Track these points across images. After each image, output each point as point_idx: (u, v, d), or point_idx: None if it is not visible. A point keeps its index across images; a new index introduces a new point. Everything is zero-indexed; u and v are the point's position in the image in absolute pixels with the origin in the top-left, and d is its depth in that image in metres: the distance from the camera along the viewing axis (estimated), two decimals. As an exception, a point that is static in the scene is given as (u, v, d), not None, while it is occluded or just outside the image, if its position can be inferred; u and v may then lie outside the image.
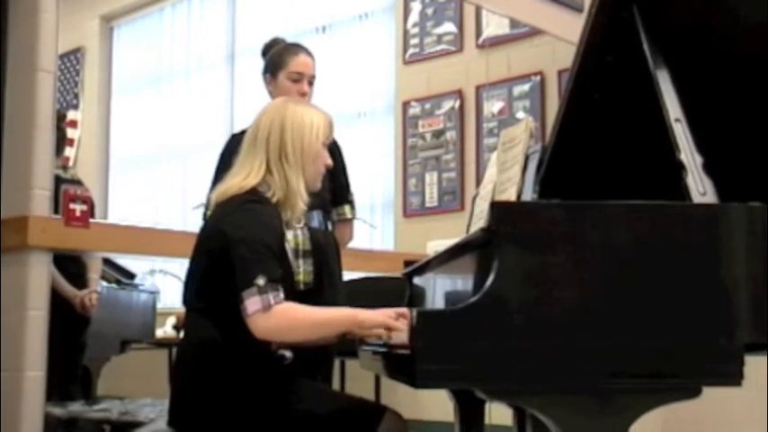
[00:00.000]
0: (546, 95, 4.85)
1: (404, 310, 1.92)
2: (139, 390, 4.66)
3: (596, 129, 2.01)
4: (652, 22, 1.88)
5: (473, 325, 1.54)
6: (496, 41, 5.06)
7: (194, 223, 2.19)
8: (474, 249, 1.80)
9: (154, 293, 5.27)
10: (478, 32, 5.17)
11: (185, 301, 2.16)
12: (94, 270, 4.04)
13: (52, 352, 2.86)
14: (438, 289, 2.30)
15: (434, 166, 5.26)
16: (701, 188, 1.71)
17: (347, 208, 3.05)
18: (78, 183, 3.90)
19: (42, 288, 2.84)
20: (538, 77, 4.89)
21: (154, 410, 3.42)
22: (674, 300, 1.59)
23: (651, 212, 1.63)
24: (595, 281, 1.59)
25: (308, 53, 2.94)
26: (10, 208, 2.88)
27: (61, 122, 3.69)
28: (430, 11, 5.41)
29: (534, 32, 4.78)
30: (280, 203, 2.13)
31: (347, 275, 3.15)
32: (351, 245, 3.19)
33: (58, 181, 3.33)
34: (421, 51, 5.42)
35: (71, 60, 7.45)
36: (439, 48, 5.34)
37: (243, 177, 2.14)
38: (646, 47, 1.86)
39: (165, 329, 5.24)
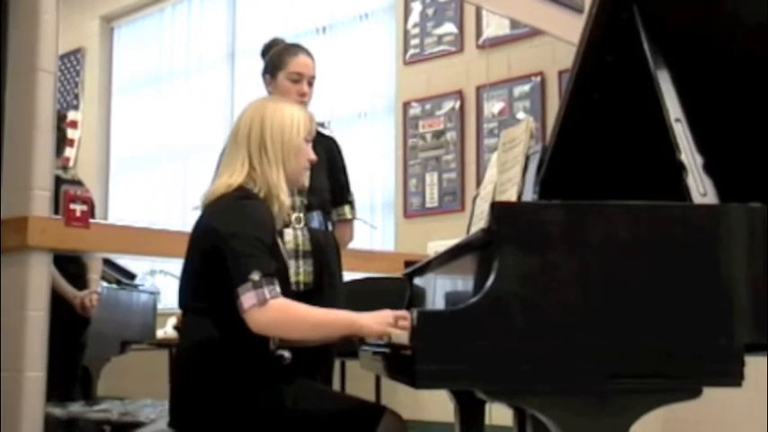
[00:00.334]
0: (546, 96, 4.85)
1: (403, 312, 1.93)
2: (140, 390, 4.66)
3: (596, 129, 2.01)
4: (652, 23, 1.88)
5: (473, 325, 1.54)
6: (497, 42, 5.06)
7: (193, 224, 2.19)
8: (474, 250, 1.80)
9: (154, 294, 5.27)
10: (479, 33, 5.17)
11: (181, 303, 2.16)
12: (94, 270, 4.04)
13: (52, 352, 2.86)
14: (438, 289, 2.30)
15: (435, 166, 5.26)
16: (701, 188, 1.71)
17: (347, 208, 3.05)
18: (78, 183, 3.90)
19: (42, 288, 2.84)
20: (538, 78, 4.89)
21: (154, 411, 3.42)
22: (675, 300, 1.59)
23: (651, 213, 1.63)
24: (596, 281, 1.59)
25: (308, 53, 2.94)
26: (10, 208, 2.88)
27: (61, 123, 3.69)
28: (430, 11, 5.41)
29: (534, 33, 4.78)
30: (267, 198, 2.14)
31: (348, 276, 3.15)
32: (351, 245, 3.19)
33: (59, 181, 3.33)
34: (421, 52, 5.42)
35: (71, 61, 7.45)
36: (439, 48, 5.34)
37: (228, 176, 2.15)
38: (646, 47, 1.86)
39: (166, 330, 5.24)
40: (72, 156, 6.78)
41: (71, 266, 3.86)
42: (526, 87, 4.94)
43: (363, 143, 5.57)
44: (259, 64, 2.99)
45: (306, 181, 2.28)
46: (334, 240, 2.94)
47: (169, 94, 7.14)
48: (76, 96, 7.47)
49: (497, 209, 1.62)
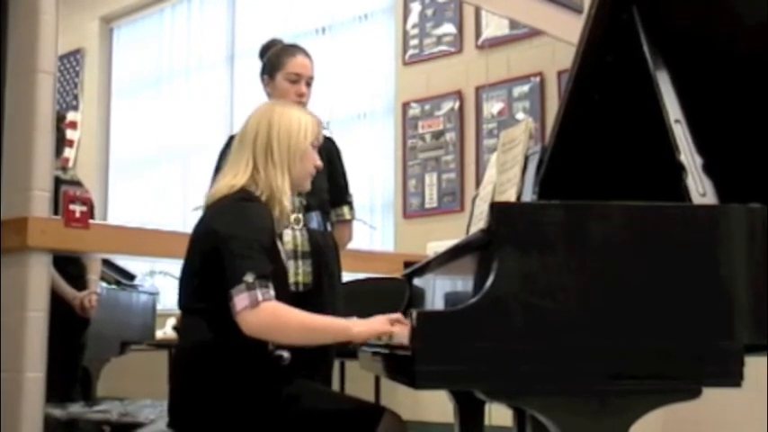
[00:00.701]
0: (546, 96, 4.85)
1: (397, 315, 1.93)
2: (139, 391, 4.66)
3: (596, 130, 2.01)
4: (652, 23, 1.88)
5: (473, 326, 1.54)
6: (496, 42, 5.06)
7: (194, 224, 2.19)
8: (474, 250, 1.80)
9: (153, 295, 5.27)
10: (478, 33, 5.17)
11: (181, 303, 2.15)
12: (94, 271, 4.04)
13: (52, 353, 2.86)
14: (438, 290, 2.30)
15: (434, 166, 5.26)
16: (700, 189, 1.71)
17: (346, 209, 3.05)
18: (78, 184, 3.90)
19: (42, 289, 2.84)
20: (537, 78, 4.89)
21: (154, 411, 3.42)
22: (674, 301, 1.59)
23: (651, 213, 1.63)
24: (595, 282, 1.59)
25: (306, 54, 2.94)
26: (10, 209, 2.88)
27: (60, 123, 3.69)
28: (429, 12, 5.41)
29: (534, 33, 4.78)
30: (268, 201, 2.13)
31: (347, 276, 3.15)
32: (350, 246, 3.19)
33: (58, 182, 3.33)
34: (420, 52, 5.42)
35: (71, 61, 7.45)
36: (438, 49, 5.34)
37: (231, 177, 2.15)
38: (645, 48, 1.86)
39: (165, 331, 5.24)
40: (71, 156, 6.79)
41: (70, 267, 3.86)
42: (525, 88, 4.94)
43: (363, 144, 5.57)
44: (258, 65, 2.99)
45: (309, 186, 2.28)
46: (333, 241, 2.94)
47: (169, 94, 7.14)
48: (76, 97, 7.47)
49: (497, 209, 1.62)
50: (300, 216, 2.80)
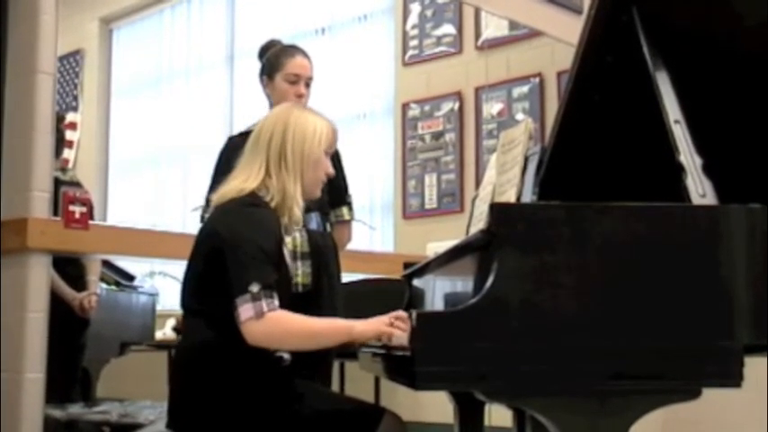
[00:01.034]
0: (545, 97, 4.85)
1: (400, 313, 1.93)
2: (139, 392, 4.66)
3: (596, 130, 2.01)
4: (651, 24, 1.88)
5: (473, 326, 1.54)
6: (496, 43, 5.06)
7: (194, 225, 2.19)
8: (473, 251, 1.80)
9: (153, 295, 5.27)
10: (478, 34, 5.17)
11: (183, 304, 2.15)
12: (94, 272, 4.04)
13: (52, 354, 2.86)
14: (438, 291, 2.30)
15: (434, 167, 5.26)
16: (700, 190, 1.71)
17: (345, 209, 3.05)
18: (77, 185, 3.90)
19: (42, 290, 2.84)
20: (537, 79, 4.89)
21: (153, 412, 3.42)
22: (674, 301, 1.59)
23: (651, 214, 1.63)
24: (595, 282, 1.59)
25: (305, 55, 2.94)
26: (9, 210, 2.88)
27: (60, 124, 3.69)
28: (429, 12, 5.41)
29: (533, 34, 4.78)
30: (278, 208, 2.12)
31: (347, 277, 3.15)
32: (350, 246, 3.19)
33: (58, 183, 3.33)
34: (420, 53, 5.42)
35: (70, 62, 7.45)
36: (438, 49, 5.34)
37: (242, 180, 2.13)
38: (645, 48, 1.86)
39: (165, 331, 5.24)
40: (71, 157, 6.79)
41: (70, 268, 3.86)
42: (525, 88, 4.94)
43: (362, 144, 5.57)
44: (258, 65, 2.99)
45: (319, 194, 2.27)
46: (333, 242, 2.94)
47: (168, 95, 7.13)
48: (75, 98, 7.46)
49: (496, 210, 1.62)
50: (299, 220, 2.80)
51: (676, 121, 1.78)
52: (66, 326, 3.62)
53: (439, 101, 5.28)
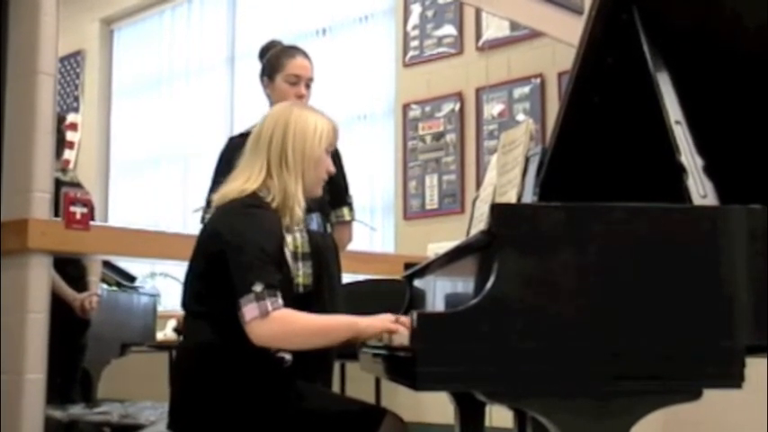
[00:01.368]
0: (546, 98, 4.85)
1: (402, 317, 1.93)
2: (140, 392, 4.66)
3: (596, 131, 2.01)
4: (652, 24, 1.88)
5: (473, 327, 1.54)
6: (496, 44, 5.06)
7: (194, 226, 2.19)
8: (474, 252, 1.79)
9: (154, 296, 5.27)
10: (478, 35, 5.18)
11: (184, 305, 2.15)
12: (94, 273, 4.05)
13: (52, 355, 2.86)
14: (438, 291, 2.30)
15: (435, 168, 5.26)
16: (701, 190, 1.71)
17: (346, 210, 3.05)
18: (78, 185, 3.90)
19: (43, 291, 2.84)
20: (538, 80, 4.89)
21: (154, 413, 3.43)
22: (675, 302, 1.59)
23: (651, 215, 1.63)
24: (596, 283, 1.59)
25: (306, 55, 2.94)
26: (10, 211, 2.88)
27: (61, 125, 3.69)
28: (430, 13, 5.41)
29: (534, 35, 4.78)
30: (279, 208, 2.12)
31: (347, 278, 3.15)
32: (351, 247, 3.19)
33: (58, 184, 3.33)
34: (421, 54, 5.42)
35: (71, 63, 7.45)
36: (439, 50, 5.34)
37: (243, 181, 2.13)
38: (646, 48, 1.86)
39: (166, 332, 5.24)
40: (72, 158, 6.80)
41: (71, 269, 3.87)
42: (526, 89, 4.94)
43: (363, 145, 5.57)
44: (259, 66, 2.99)
45: (320, 192, 2.26)
46: (333, 242, 2.94)
47: (169, 96, 7.14)
48: (76, 99, 7.47)
49: (497, 210, 1.62)
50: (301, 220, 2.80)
51: (677, 122, 1.78)
52: (67, 326, 3.62)
53: (440, 101, 5.28)
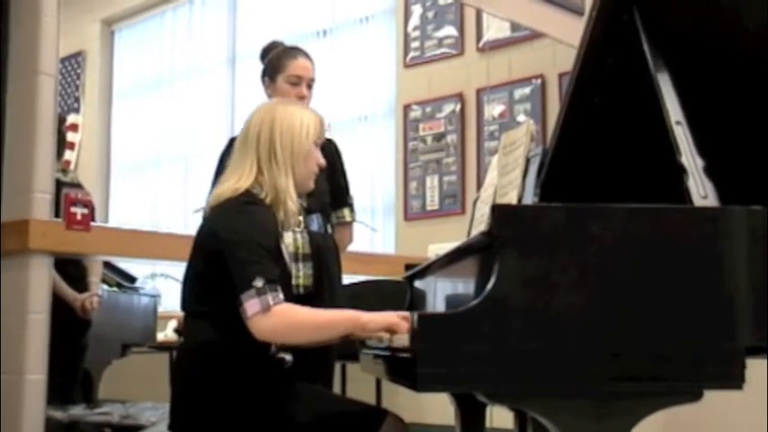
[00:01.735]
0: (547, 98, 4.85)
1: (405, 313, 1.92)
2: (141, 393, 4.66)
3: (597, 131, 2.01)
4: (653, 25, 1.88)
5: (474, 328, 1.54)
6: (497, 45, 5.06)
7: (195, 227, 2.19)
8: (475, 253, 1.80)
9: (155, 297, 5.27)
10: (479, 36, 5.18)
11: (183, 305, 2.15)
12: (95, 273, 4.05)
13: (53, 355, 2.86)
14: (439, 292, 2.30)
15: (435, 169, 5.26)
16: (702, 191, 1.71)
17: (347, 211, 3.05)
18: (79, 186, 3.90)
19: (43, 291, 2.84)
20: (539, 80, 4.89)
21: (155, 414, 3.43)
22: (675, 303, 1.59)
23: (652, 216, 1.63)
24: (596, 284, 1.59)
25: (307, 56, 2.94)
26: (11, 211, 2.88)
27: (61, 126, 3.69)
28: (431, 14, 5.41)
29: (535, 35, 4.79)
30: (273, 204, 2.12)
31: (348, 279, 3.15)
32: (351, 248, 3.18)
33: (59, 184, 3.33)
34: (422, 55, 5.43)
35: (72, 64, 7.45)
36: (440, 51, 5.34)
37: (235, 180, 2.13)
38: (646, 49, 1.86)
39: (167, 333, 5.25)
40: (73, 159, 6.80)
41: (71, 269, 3.87)
42: (527, 90, 4.94)
43: (364, 146, 5.57)
44: (260, 67, 2.99)
45: (312, 186, 2.27)
46: (334, 243, 2.94)
47: (170, 97, 7.14)
48: (77, 99, 7.47)
49: (498, 211, 1.62)
50: (301, 218, 2.80)
51: (678, 123, 1.78)
52: (68, 327, 3.62)
53: (440, 102, 5.28)
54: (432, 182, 5.27)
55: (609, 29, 1.92)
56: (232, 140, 2.92)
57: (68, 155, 6.03)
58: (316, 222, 2.85)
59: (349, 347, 2.36)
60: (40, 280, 2.84)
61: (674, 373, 1.59)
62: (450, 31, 5.31)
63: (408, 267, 2.57)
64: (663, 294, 1.59)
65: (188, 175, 6.78)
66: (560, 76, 4.71)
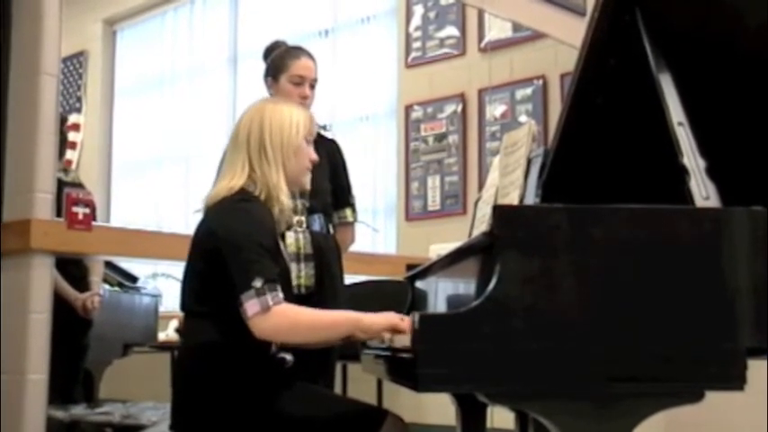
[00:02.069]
0: (548, 99, 4.85)
1: (406, 318, 1.93)
2: (142, 393, 4.66)
3: (599, 132, 2.01)
4: (655, 25, 1.88)
5: (475, 329, 1.54)
6: (499, 45, 5.06)
7: (195, 227, 2.19)
8: (476, 253, 1.79)
9: (156, 297, 5.28)
10: (481, 36, 5.18)
11: (183, 305, 2.15)
12: (96, 273, 4.05)
13: (54, 355, 2.86)
14: (440, 293, 2.30)
15: (437, 169, 5.26)
16: (703, 192, 1.70)
17: (348, 211, 3.05)
18: (80, 186, 3.90)
19: (45, 291, 2.84)
20: (540, 81, 4.89)
21: (156, 413, 3.43)
22: (677, 304, 1.59)
23: (653, 217, 1.63)
24: (598, 285, 1.59)
25: (310, 56, 2.94)
26: (13, 211, 2.88)
27: (63, 125, 3.69)
28: (432, 14, 5.41)
29: (537, 36, 4.78)
30: (267, 200, 2.13)
31: (350, 279, 3.15)
32: (353, 248, 3.19)
33: (61, 184, 3.33)
34: (423, 55, 5.43)
35: (74, 64, 7.46)
36: (441, 51, 5.34)
37: (229, 179, 2.14)
38: (648, 50, 1.86)
39: (168, 333, 5.25)
40: (74, 158, 6.79)
41: (73, 269, 3.87)
42: (528, 90, 4.94)
43: (365, 146, 5.58)
44: (261, 67, 2.99)
45: (308, 182, 2.27)
46: (336, 243, 2.94)
47: (171, 96, 7.14)
48: (79, 99, 7.47)
49: (499, 212, 1.62)
50: (303, 218, 2.80)
51: (680, 123, 1.78)
52: (69, 327, 3.62)
53: (442, 103, 5.28)
54: (433, 182, 5.27)
55: (611, 29, 1.92)
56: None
57: (70, 154, 6.01)
58: (317, 222, 2.85)
59: (350, 348, 2.36)
60: (42, 280, 2.84)
61: (674, 374, 1.58)
62: (451, 31, 5.31)
63: (410, 267, 2.57)
64: (664, 295, 1.59)
65: (189, 175, 6.78)
66: (562, 76, 4.71)
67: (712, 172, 1.73)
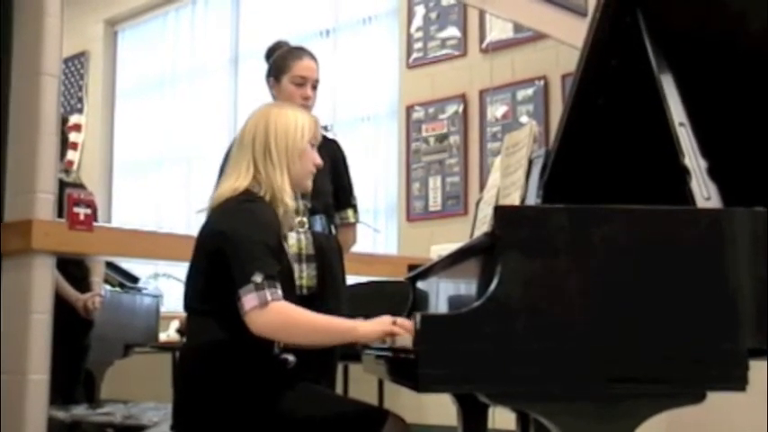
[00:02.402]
0: (550, 100, 4.85)
1: (401, 318, 1.93)
2: (143, 393, 4.66)
3: (600, 133, 2.01)
4: (656, 26, 1.88)
5: (476, 329, 1.54)
6: (500, 46, 5.06)
7: (198, 227, 2.19)
8: (477, 254, 1.80)
9: (157, 297, 5.28)
10: (482, 37, 5.17)
11: (186, 304, 2.16)
12: (97, 273, 4.05)
13: (55, 355, 2.86)
14: (441, 293, 2.30)
15: (438, 170, 5.26)
16: (705, 193, 1.70)
17: (350, 212, 3.05)
18: (81, 186, 3.90)
19: (46, 291, 2.84)
20: (541, 82, 4.89)
21: (157, 414, 3.43)
22: (678, 305, 1.59)
23: (655, 217, 1.63)
24: (599, 286, 1.59)
25: (312, 57, 2.94)
26: (14, 211, 2.88)
27: (64, 126, 3.69)
28: (434, 15, 5.41)
29: (538, 37, 4.78)
30: (272, 201, 2.14)
31: (351, 279, 3.14)
32: (354, 249, 3.18)
33: (62, 185, 3.33)
34: (425, 55, 5.42)
35: (75, 64, 7.46)
36: (442, 52, 5.34)
37: (234, 180, 2.15)
38: (650, 51, 1.86)
39: (169, 333, 5.24)
40: (75, 159, 6.80)
41: (74, 269, 3.87)
42: (529, 91, 4.94)
43: (367, 147, 5.58)
44: (263, 67, 2.99)
45: (310, 185, 2.28)
46: (337, 244, 2.94)
47: (173, 97, 7.14)
48: (80, 100, 7.47)
49: (500, 213, 1.62)
50: (305, 219, 2.80)
51: (681, 124, 1.78)
52: (70, 327, 3.62)
53: (443, 103, 5.28)
54: (434, 183, 5.27)
55: (612, 30, 1.92)
56: (235, 141, 2.93)
57: (71, 155, 6.04)
58: (319, 223, 2.85)
59: (351, 348, 2.36)
60: (43, 280, 2.84)
61: (676, 375, 1.58)
62: (453, 31, 5.31)
63: (411, 268, 2.57)
64: (665, 296, 1.59)
65: (190, 176, 6.78)
66: (563, 77, 4.70)
67: (713, 172, 1.73)
